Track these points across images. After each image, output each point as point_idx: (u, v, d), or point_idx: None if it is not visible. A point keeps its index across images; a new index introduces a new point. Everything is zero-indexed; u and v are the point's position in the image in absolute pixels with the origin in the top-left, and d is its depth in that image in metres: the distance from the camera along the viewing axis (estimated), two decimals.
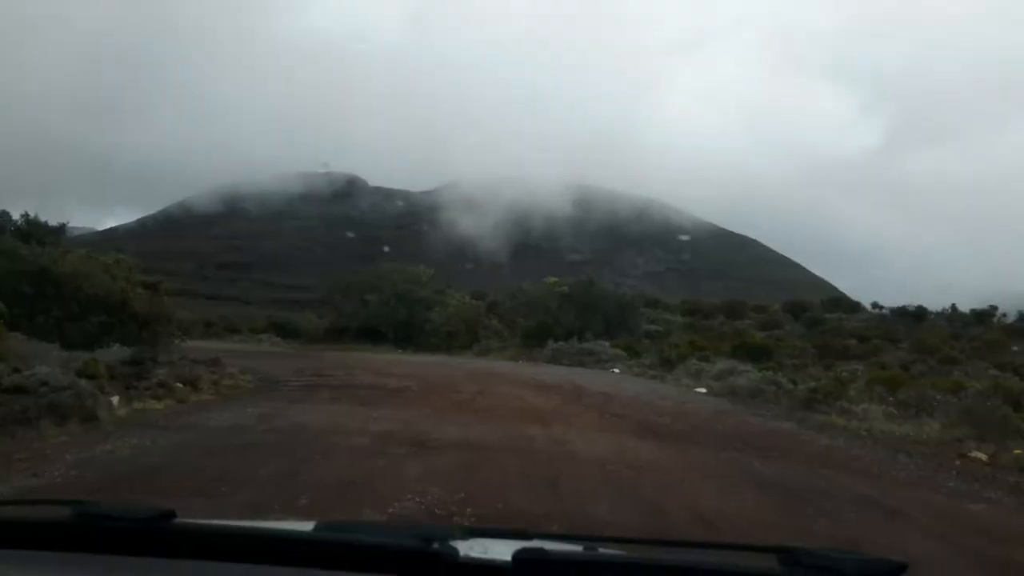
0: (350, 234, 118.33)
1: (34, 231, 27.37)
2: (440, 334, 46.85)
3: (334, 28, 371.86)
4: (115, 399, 13.84)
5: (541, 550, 1.84)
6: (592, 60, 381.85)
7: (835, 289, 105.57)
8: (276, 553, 1.84)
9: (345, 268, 67.70)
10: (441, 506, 7.15)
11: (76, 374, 13.94)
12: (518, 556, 1.78)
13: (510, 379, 23.98)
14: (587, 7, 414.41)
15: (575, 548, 2.13)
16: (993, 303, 57.72)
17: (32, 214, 28.52)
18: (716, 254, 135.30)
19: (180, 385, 16.60)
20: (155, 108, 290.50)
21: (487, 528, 2.28)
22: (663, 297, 73.61)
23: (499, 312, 51.87)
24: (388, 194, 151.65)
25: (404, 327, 48.45)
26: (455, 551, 1.80)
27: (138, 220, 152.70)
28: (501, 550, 1.87)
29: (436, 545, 1.80)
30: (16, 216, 28.44)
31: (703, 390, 23.21)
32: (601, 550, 2.12)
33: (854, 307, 66.05)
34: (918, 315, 57.76)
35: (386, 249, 60.63)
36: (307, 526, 2.08)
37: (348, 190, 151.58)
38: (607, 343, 37.19)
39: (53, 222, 29.05)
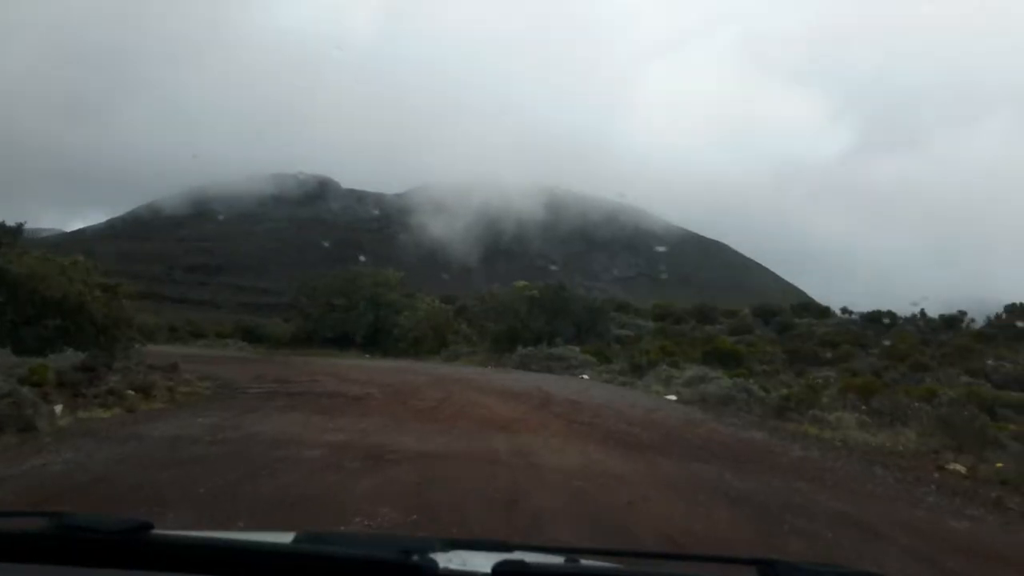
0: (326, 244, 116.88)
1: None
2: (408, 339, 46.17)
3: (306, 30, 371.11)
4: (58, 408, 13.22)
5: (521, 563, 1.84)
6: (564, 64, 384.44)
7: (804, 294, 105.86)
8: (255, 565, 1.83)
9: (316, 271, 67.02)
10: (390, 531, 6.62)
11: (19, 381, 13.33)
12: (498, 569, 1.79)
13: (477, 386, 23.43)
14: (559, 12, 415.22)
15: (556, 560, 2.13)
16: (960, 308, 57.85)
17: None
18: (686, 259, 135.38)
19: (132, 392, 15.95)
20: (124, 109, 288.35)
21: (467, 540, 2.27)
22: (634, 302, 73.29)
23: (468, 316, 51.24)
24: (360, 196, 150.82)
25: (372, 332, 47.73)
26: (435, 563, 1.80)
27: (106, 222, 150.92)
28: (481, 563, 1.88)
29: (416, 557, 1.79)
30: None
31: (673, 397, 22.78)
32: (582, 562, 2.14)
33: (823, 312, 66.03)
34: (887, 321, 57.79)
35: (362, 259, 59.76)
36: (286, 537, 2.06)
37: (319, 192, 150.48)
38: (577, 348, 36.68)
39: (14, 223, 28.22)
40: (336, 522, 6.71)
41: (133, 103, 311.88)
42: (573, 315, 44.53)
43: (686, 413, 18.95)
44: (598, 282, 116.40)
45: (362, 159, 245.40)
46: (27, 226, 29.13)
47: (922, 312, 58.35)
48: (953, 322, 55.13)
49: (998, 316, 53.69)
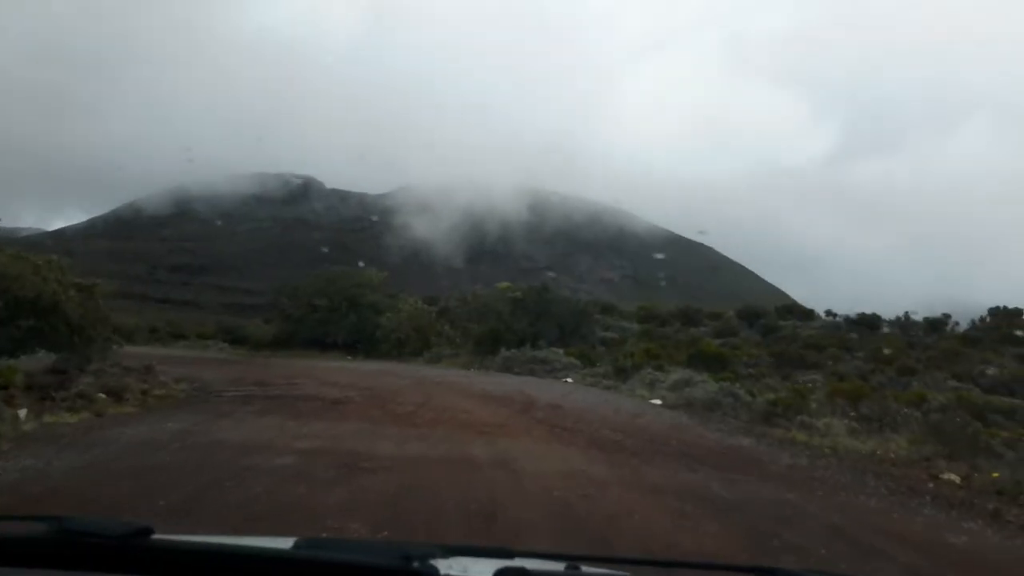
0: (309, 244, 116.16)
1: None
2: (391, 340, 45.67)
3: (289, 30, 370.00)
4: (23, 412, 12.76)
5: (522, 570, 1.85)
6: (547, 65, 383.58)
7: (787, 296, 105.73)
8: (255, 571, 1.83)
9: (301, 271, 66.55)
10: None
11: None
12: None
13: (458, 389, 23.04)
14: (542, 13, 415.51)
15: (557, 567, 2.12)
16: (940, 310, 57.71)
17: None
18: (669, 261, 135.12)
19: (103, 396, 15.51)
20: (106, 108, 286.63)
21: (468, 546, 2.25)
22: (618, 304, 72.97)
23: (451, 318, 50.71)
24: (344, 197, 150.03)
25: (354, 333, 47.24)
26: (435, 570, 1.81)
27: (88, 221, 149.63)
28: (482, 569, 1.90)
29: (416, 564, 1.80)
30: None
31: (658, 401, 22.39)
32: (584, 569, 2.12)
33: (808, 314, 65.81)
34: (872, 323, 57.62)
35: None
36: (287, 543, 2.05)
37: (303, 192, 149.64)
38: (561, 351, 36.22)
39: None
40: None
41: (115, 102, 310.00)
42: (557, 317, 44.06)
43: (671, 418, 18.57)
44: (583, 284, 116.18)
45: (346, 159, 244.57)
46: (8, 225, 28.69)
47: (906, 315, 58.29)
48: (937, 325, 55.00)
49: (982, 319, 53.62)
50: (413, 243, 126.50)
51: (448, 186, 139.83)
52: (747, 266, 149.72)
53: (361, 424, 13.98)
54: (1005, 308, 52.60)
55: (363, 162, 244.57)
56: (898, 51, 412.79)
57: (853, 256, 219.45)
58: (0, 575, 1.78)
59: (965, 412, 15.43)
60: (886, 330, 54.43)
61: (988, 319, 52.90)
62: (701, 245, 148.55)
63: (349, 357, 43.58)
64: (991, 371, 31.53)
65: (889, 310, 56.94)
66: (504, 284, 49.01)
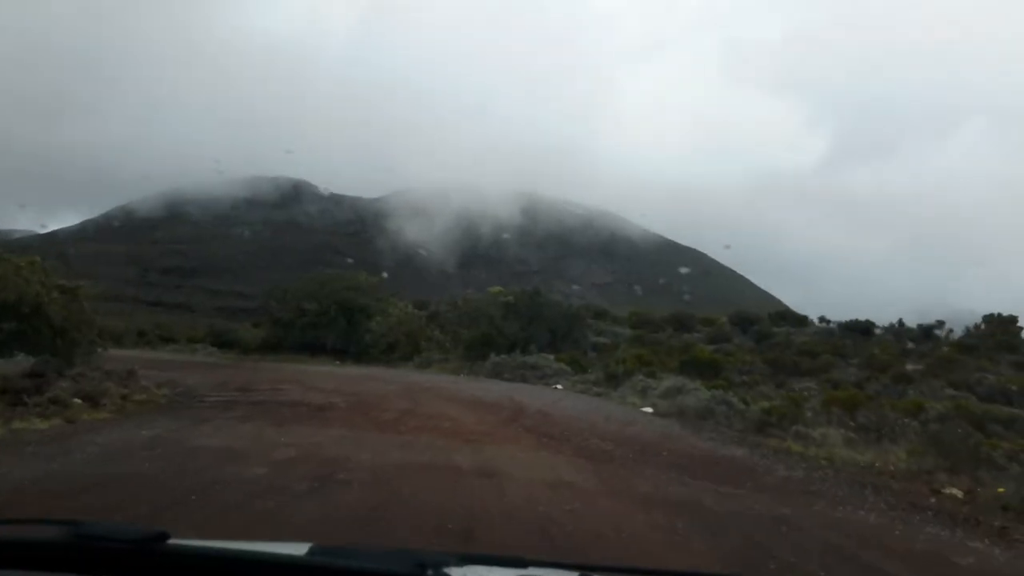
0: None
1: None
2: (381, 345, 45.25)
3: (284, 33, 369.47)
4: None
5: None
6: (541, 70, 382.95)
7: (779, 303, 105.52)
8: None
9: (293, 274, 66.11)
10: None
11: None
12: None
13: (446, 395, 22.61)
14: (537, 18, 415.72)
15: None
16: (934, 317, 57.47)
17: None
18: (662, 266, 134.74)
19: (78, 401, 15.07)
20: (98, 110, 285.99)
21: (482, 555, 2.24)
22: (611, 308, 72.55)
23: (441, 323, 50.24)
24: (337, 200, 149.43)
25: (343, 337, 46.77)
26: None
27: (80, 224, 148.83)
28: None
29: (430, 572, 1.80)
30: None
31: (649, 409, 21.98)
32: None
33: (801, 321, 65.52)
34: (865, 329, 57.35)
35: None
36: (301, 548, 2.03)
37: (296, 196, 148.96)
38: (551, 357, 35.85)
39: None
40: None
41: (107, 105, 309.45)
42: (549, 321, 43.67)
43: (663, 427, 18.16)
44: (575, 288, 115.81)
45: (339, 163, 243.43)
46: (2, 227, 28.30)
47: (900, 321, 58.03)
48: (930, 332, 54.73)
49: (976, 326, 53.34)
50: (406, 247, 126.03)
51: (441, 190, 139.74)
52: (739, 271, 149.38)
53: (343, 431, 13.57)
54: (1000, 315, 52.28)
55: (357, 166, 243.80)
56: (894, 55, 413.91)
57: (846, 262, 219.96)
58: None
59: (964, 422, 15.02)
60: (879, 337, 54.14)
61: (983, 326, 52.58)
62: (694, 250, 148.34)
63: (338, 362, 43.18)
64: (990, 379, 31.16)
65: (882, 316, 56.71)
66: (496, 288, 48.58)
